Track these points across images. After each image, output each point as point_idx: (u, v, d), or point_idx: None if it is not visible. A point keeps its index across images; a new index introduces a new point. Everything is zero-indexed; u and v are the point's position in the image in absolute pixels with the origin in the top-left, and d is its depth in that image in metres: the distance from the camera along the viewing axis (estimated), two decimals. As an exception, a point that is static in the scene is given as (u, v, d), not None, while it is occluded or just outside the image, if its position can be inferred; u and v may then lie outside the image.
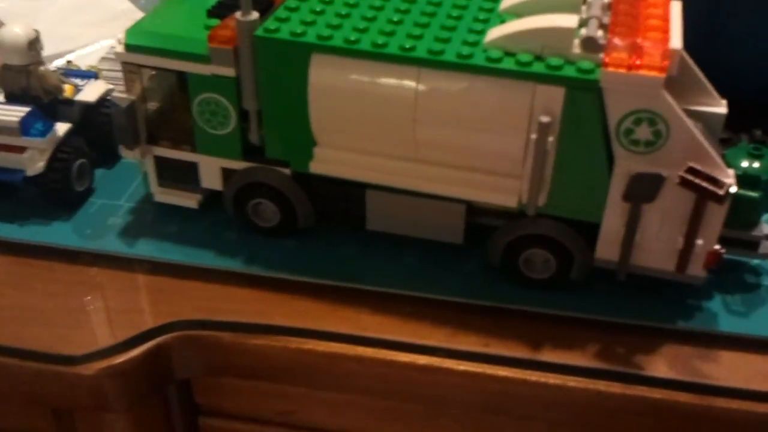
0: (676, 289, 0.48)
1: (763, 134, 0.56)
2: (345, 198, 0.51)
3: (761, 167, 0.46)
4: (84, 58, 0.69)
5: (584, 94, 0.42)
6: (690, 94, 0.48)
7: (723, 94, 0.48)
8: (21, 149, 0.53)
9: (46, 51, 0.68)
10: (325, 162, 0.49)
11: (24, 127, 0.52)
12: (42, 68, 0.54)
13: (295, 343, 0.48)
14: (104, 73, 0.63)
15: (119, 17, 0.73)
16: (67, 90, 0.56)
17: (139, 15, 0.70)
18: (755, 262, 0.51)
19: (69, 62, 0.67)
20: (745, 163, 0.46)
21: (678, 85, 0.47)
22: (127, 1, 0.79)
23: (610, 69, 0.40)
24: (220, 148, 0.51)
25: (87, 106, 0.57)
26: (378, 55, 0.44)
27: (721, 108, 0.48)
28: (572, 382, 0.46)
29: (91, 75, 0.59)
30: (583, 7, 0.45)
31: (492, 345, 0.47)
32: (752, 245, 0.48)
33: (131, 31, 0.49)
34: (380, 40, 0.44)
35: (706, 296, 0.49)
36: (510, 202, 0.46)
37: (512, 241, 0.48)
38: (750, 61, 0.57)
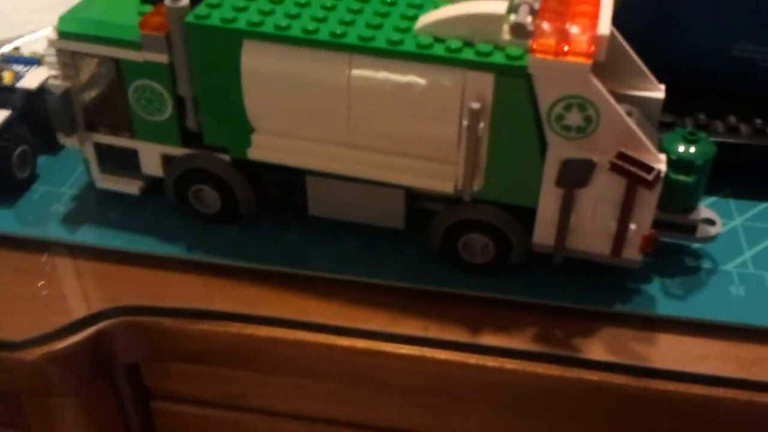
0: (616, 273, 0.49)
1: (707, 118, 0.55)
2: (286, 184, 0.51)
3: (696, 152, 0.46)
4: (32, 44, 0.68)
5: (513, 80, 0.41)
6: (628, 80, 0.48)
7: (669, 77, 0.48)
8: (-42, 137, 0.52)
9: (-7, 37, 0.67)
10: (264, 148, 0.49)
11: (-39, 114, 0.52)
12: (-21, 55, 0.53)
13: (236, 327, 0.49)
14: (49, 59, 0.62)
15: (69, 3, 0.72)
16: (7, 77, 0.55)
17: None
18: (696, 245, 0.51)
19: (16, 48, 0.66)
20: (681, 148, 0.46)
21: (615, 70, 0.47)
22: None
23: (538, 55, 0.40)
24: (159, 135, 0.50)
25: (29, 93, 0.56)
26: (309, 42, 0.44)
27: (658, 93, 0.48)
28: (510, 364, 0.46)
29: (33, 62, 0.58)
30: (517, -8, 0.45)
31: (431, 329, 0.48)
32: (690, 229, 0.48)
33: (64, 18, 0.48)
34: (311, 26, 0.44)
35: (645, 279, 0.49)
36: (446, 187, 0.46)
37: (451, 226, 0.48)
38: (696, 44, 0.56)
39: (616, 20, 0.44)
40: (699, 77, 0.57)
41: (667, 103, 0.48)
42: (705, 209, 0.49)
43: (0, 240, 0.53)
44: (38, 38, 0.70)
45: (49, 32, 0.69)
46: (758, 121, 0.56)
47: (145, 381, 0.56)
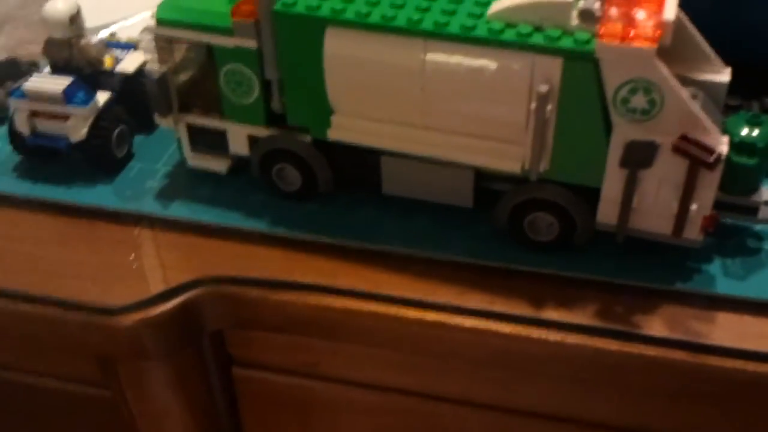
0: (677, 253, 0.50)
1: (774, 102, 0.56)
2: (362, 163, 0.54)
3: (759, 135, 0.47)
4: (127, 30, 0.73)
5: (581, 64, 0.44)
6: (694, 63, 0.49)
7: (736, 60, 0.49)
8: (65, 117, 0.57)
9: (92, 23, 0.72)
10: (342, 129, 0.52)
11: (67, 96, 0.56)
12: (83, 41, 0.58)
13: (314, 298, 0.52)
14: (144, 44, 0.67)
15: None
16: (107, 61, 0.60)
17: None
18: (758, 227, 0.52)
19: (112, 34, 0.71)
20: (744, 131, 0.48)
21: (681, 53, 0.48)
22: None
23: (605, 40, 0.42)
24: (246, 116, 0.54)
25: (126, 77, 0.61)
26: (387, 28, 0.47)
27: (724, 76, 0.49)
28: (571, 338, 0.48)
29: (130, 47, 0.63)
30: (586, -20, 0.47)
31: (497, 303, 0.50)
32: (752, 211, 0.49)
33: (162, 6, 0.53)
34: (390, 13, 0.47)
35: (706, 259, 0.51)
36: (514, 168, 0.49)
37: (517, 205, 0.50)
38: (763, 25, 0.57)
39: (684, 2, 0.45)
40: (766, 60, 0.58)
41: (734, 86, 0.49)
42: (767, 191, 0.50)
43: (100, 213, 0.57)
44: (132, 24, 0.75)
45: (141, 18, 0.75)
46: (827, 107, 0.56)
47: (228, 348, 0.60)
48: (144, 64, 0.62)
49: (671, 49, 0.45)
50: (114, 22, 0.74)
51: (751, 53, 0.56)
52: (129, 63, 0.61)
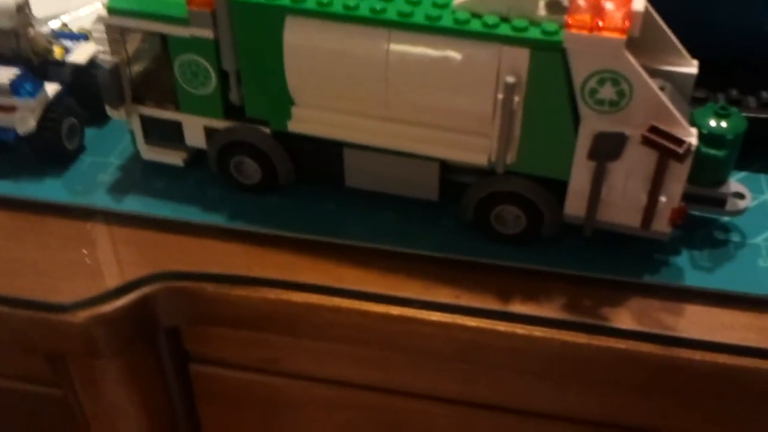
0: (645, 245, 0.50)
1: (739, 93, 0.56)
2: (324, 156, 0.52)
3: (727, 127, 0.47)
4: (79, 20, 0.70)
5: (548, 55, 0.43)
6: (661, 55, 0.48)
7: (702, 52, 0.49)
8: (12, 109, 0.54)
9: (43, 13, 0.69)
10: (303, 121, 0.50)
11: (14, 87, 0.54)
12: (32, 31, 0.55)
13: (274, 293, 0.50)
14: (97, 34, 0.64)
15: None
16: (57, 52, 0.58)
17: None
18: (725, 219, 0.52)
19: (64, 24, 0.68)
20: (712, 123, 0.47)
21: (649, 45, 0.48)
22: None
23: (573, 30, 0.41)
24: (203, 108, 0.52)
25: (77, 68, 0.58)
26: (349, 17, 0.45)
27: (691, 68, 0.48)
28: (538, 332, 0.48)
29: (81, 37, 0.60)
30: (553, -32, 0.46)
31: (463, 297, 0.49)
32: (720, 202, 0.49)
33: (113, -6, 0.50)
34: (352, 2, 0.45)
35: (674, 251, 0.50)
36: (480, 160, 0.48)
37: (483, 197, 0.49)
38: (729, 19, 0.57)
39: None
40: (732, 53, 0.58)
41: (700, 79, 0.49)
42: (735, 183, 0.50)
43: (50, 208, 0.55)
44: (85, 14, 0.72)
45: (94, 8, 0.72)
46: (791, 97, 0.56)
47: (185, 344, 0.58)
48: (96, 54, 0.59)
49: (639, 40, 0.44)
50: (65, 12, 0.72)
51: (716, 45, 0.56)
52: (80, 54, 0.59)
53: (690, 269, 0.49)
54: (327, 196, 0.54)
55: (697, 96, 0.56)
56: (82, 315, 0.50)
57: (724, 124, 0.47)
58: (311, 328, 0.51)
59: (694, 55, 0.49)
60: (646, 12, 0.46)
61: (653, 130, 0.43)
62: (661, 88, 0.47)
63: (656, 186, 0.45)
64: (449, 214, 0.53)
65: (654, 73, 0.48)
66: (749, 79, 0.57)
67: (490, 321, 0.48)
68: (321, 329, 0.51)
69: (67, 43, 0.60)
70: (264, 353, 0.57)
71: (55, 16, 0.71)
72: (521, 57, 0.43)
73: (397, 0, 0.46)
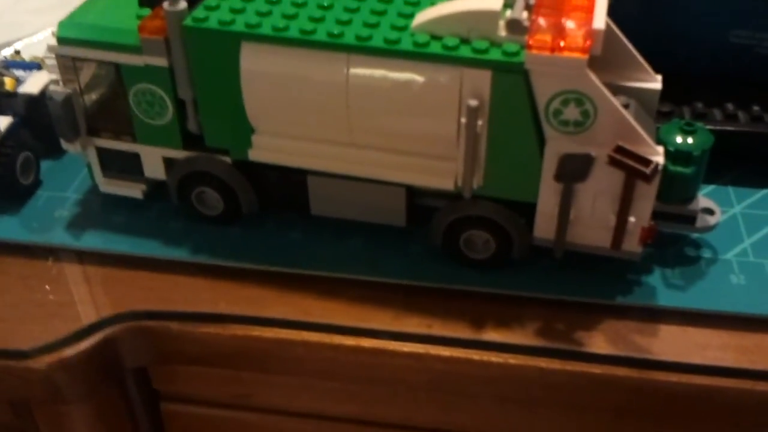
0: (616, 265, 0.49)
1: (704, 106, 0.56)
2: (287, 184, 0.51)
3: (693, 143, 0.46)
4: (32, 47, 0.68)
5: (510, 76, 0.42)
6: (624, 71, 0.48)
7: (665, 66, 0.49)
8: (-38, 146, 0.53)
9: (-5, 41, 0.67)
10: (264, 149, 0.49)
11: (-37, 123, 0.52)
12: (-21, 63, 0.54)
13: (242, 330, 0.49)
14: (50, 61, 0.63)
15: (66, 3, 0.72)
16: (8, 83, 0.56)
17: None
18: (696, 235, 0.51)
19: (17, 52, 0.66)
20: (678, 139, 0.46)
21: (612, 62, 0.47)
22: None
23: (534, 51, 0.40)
24: (160, 138, 0.51)
25: (30, 98, 0.57)
26: (306, 42, 0.44)
27: (655, 84, 0.48)
28: (514, 359, 0.47)
29: (33, 66, 0.59)
30: (513, -14, 0.45)
31: (435, 326, 0.48)
32: (690, 219, 0.48)
33: (63, 24, 0.49)
34: (309, 26, 0.44)
35: (646, 271, 0.49)
36: (446, 185, 0.47)
37: (452, 222, 0.48)
38: (692, 31, 0.56)
39: (612, 9, 0.44)
40: (696, 65, 0.58)
41: (665, 92, 0.48)
42: (704, 199, 0.49)
43: (6, 247, 0.53)
44: (38, 40, 0.70)
45: (48, 34, 0.70)
46: (756, 108, 0.56)
47: (153, 384, 0.56)
48: (49, 84, 0.57)
49: (602, 57, 0.43)
50: (18, 39, 0.70)
51: (680, 58, 0.56)
52: (33, 84, 0.57)
53: (663, 288, 0.48)
54: (293, 225, 0.53)
55: (662, 110, 0.55)
56: (44, 361, 0.48)
57: (690, 140, 0.46)
58: (282, 363, 0.50)
59: (658, 68, 0.48)
60: (608, 29, 0.45)
61: (619, 150, 0.42)
62: (626, 106, 0.47)
63: (625, 206, 0.44)
64: (418, 239, 0.51)
65: (618, 90, 0.48)
66: (714, 92, 0.57)
67: (463, 350, 0.47)
68: (292, 364, 0.50)
69: (20, 72, 0.58)
70: (235, 389, 0.56)
71: (8, 44, 0.69)
72: (483, 79, 0.42)
73: (355, 22, 0.44)
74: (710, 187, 0.56)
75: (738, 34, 0.56)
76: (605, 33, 0.43)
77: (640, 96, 0.48)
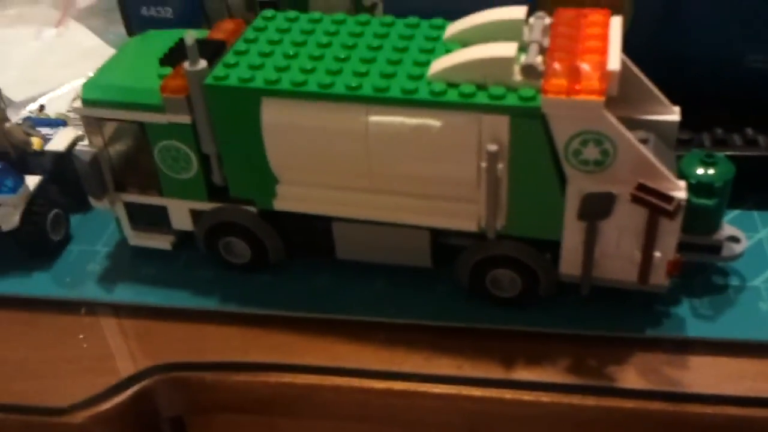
0: (645, 298, 0.49)
1: (724, 132, 0.55)
2: (313, 231, 0.51)
3: (715, 174, 0.46)
4: (57, 101, 0.70)
5: (528, 121, 0.42)
6: (642, 105, 0.48)
7: (683, 93, 0.49)
8: (-5, 207, 0.54)
9: (20, 96, 0.69)
10: (289, 199, 0.50)
11: (-6, 185, 0.53)
12: (7, 124, 0.55)
13: (274, 377, 0.49)
14: (75, 116, 0.64)
15: (89, 55, 0.74)
16: (35, 143, 0.57)
17: (108, 51, 0.71)
18: (722, 263, 0.51)
19: (42, 107, 0.68)
20: (699, 171, 0.46)
21: (629, 96, 0.47)
22: (95, 37, 0.79)
23: (550, 95, 0.41)
24: (186, 191, 0.51)
25: (58, 155, 0.58)
26: (325, 96, 0.45)
27: (674, 116, 0.48)
28: (546, 397, 0.47)
29: (59, 123, 0.60)
30: (525, 29, 0.46)
31: (465, 366, 0.48)
32: (715, 249, 0.48)
33: (87, 86, 0.50)
34: (327, 80, 0.45)
35: (674, 302, 0.49)
36: (470, 226, 0.47)
37: (477, 262, 0.49)
38: (708, 57, 0.56)
39: (627, 38, 0.44)
40: (713, 91, 0.57)
41: (684, 120, 0.48)
42: (729, 227, 0.49)
43: (39, 303, 0.54)
44: (62, 94, 0.72)
45: (72, 88, 0.72)
46: (777, 131, 0.56)
47: (189, 431, 0.57)
48: (76, 140, 0.59)
49: (618, 92, 0.43)
50: (42, 94, 0.71)
51: (697, 83, 0.56)
52: (59, 141, 0.58)
53: (692, 319, 0.48)
54: (319, 271, 0.54)
55: (682, 138, 0.55)
56: (81, 416, 0.49)
57: (711, 171, 0.46)
58: (314, 408, 0.50)
59: (675, 96, 0.48)
60: (623, 65, 0.46)
61: (641, 188, 0.42)
62: (645, 141, 0.47)
63: (649, 242, 0.44)
64: (444, 279, 0.52)
65: (636, 124, 0.48)
66: (733, 117, 0.56)
67: (495, 390, 0.47)
68: (324, 408, 0.50)
69: (46, 130, 0.59)
70: (269, 433, 0.56)
71: (33, 99, 0.71)
72: (501, 124, 0.43)
73: (372, 74, 0.45)
74: (735, 212, 0.55)
75: (754, 58, 0.56)
76: (621, 70, 0.43)
77: (658, 129, 0.48)
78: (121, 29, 0.67)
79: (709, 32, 0.56)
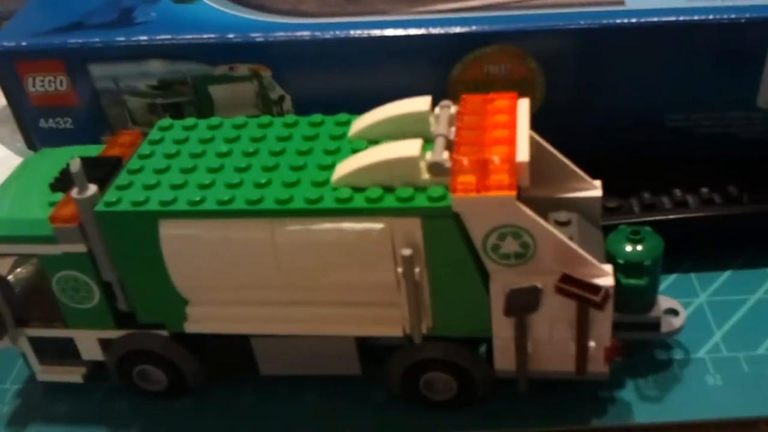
0: (588, 385, 0.46)
1: (652, 196, 0.54)
2: (232, 349, 0.48)
3: (643, 251, 0.44)
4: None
5: (440, 221, 0.40)
6: (562, 183, 0.46)
7: (606, 160, 0.47)
8: None
9: None
10: (201, 320, 0.46)
11: None
12: None
13: None
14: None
15: (-4, 166, 0.70)
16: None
17: (16, 161, 0.67)
18: (663, 336, 0.49)
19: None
20: (627, 248, 0.45)
21: (548, 176, 0.46)
22: (3, 147, 0.76)
23: (460, 194, 0.38)
24: (91, 321, 0.48)
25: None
26: (225, 213, 0.42)
27: (595, 191, 0.46)
28: (494, 506, 0.44)
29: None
30: (431, 119, 0.44)
31: (406, 480, 0.45)
32: (653, 326, 0.46)
33: (-27, 221, 0.46)
34: (226, 195, 0.42)
35: (618, 385, 0.47)
36: (395, 332, 0.44)
37: (407, 368, 0.46)
38: (630, 121, 0.55)
39: (541, 115, 0.42)
40: (637, 153, 0.56)
41: (610, 187, 0.47)
42: (665, 299, 0.47)
43: (-57, 455, 0.50)
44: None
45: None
46: (704, 190, 0.55)
47: None
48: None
49: (536, 172, 0.42)
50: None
51: (619, 148, 0.54)
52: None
53: (638, 402, 0.46)
54: (244, 389, 0.50)
55: (609, 206, 0.53)
56: None
57: (639, 247, 0.45)
58: None
59: (598, 160, 0.47)
60: (537, 146, 0.44)
61: (565, 279, 0.40)
62: (567, 222, 0.45)
63: (582, 332, 0.42)
64: (378, 386, 0.49)
65: (558, 204, 0.46)
66: (660, 179, 0.55)
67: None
68: None
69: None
70: None
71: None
72: (413, 226, 0.40)
73: (275, 183, 0.42)
74: (672, 277, 0.54)
75: (673, 118, 0.55)
76: (534, 149, 0.41)
77: (581, 206, 0.46)
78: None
79: (628, 97, 0.54)
